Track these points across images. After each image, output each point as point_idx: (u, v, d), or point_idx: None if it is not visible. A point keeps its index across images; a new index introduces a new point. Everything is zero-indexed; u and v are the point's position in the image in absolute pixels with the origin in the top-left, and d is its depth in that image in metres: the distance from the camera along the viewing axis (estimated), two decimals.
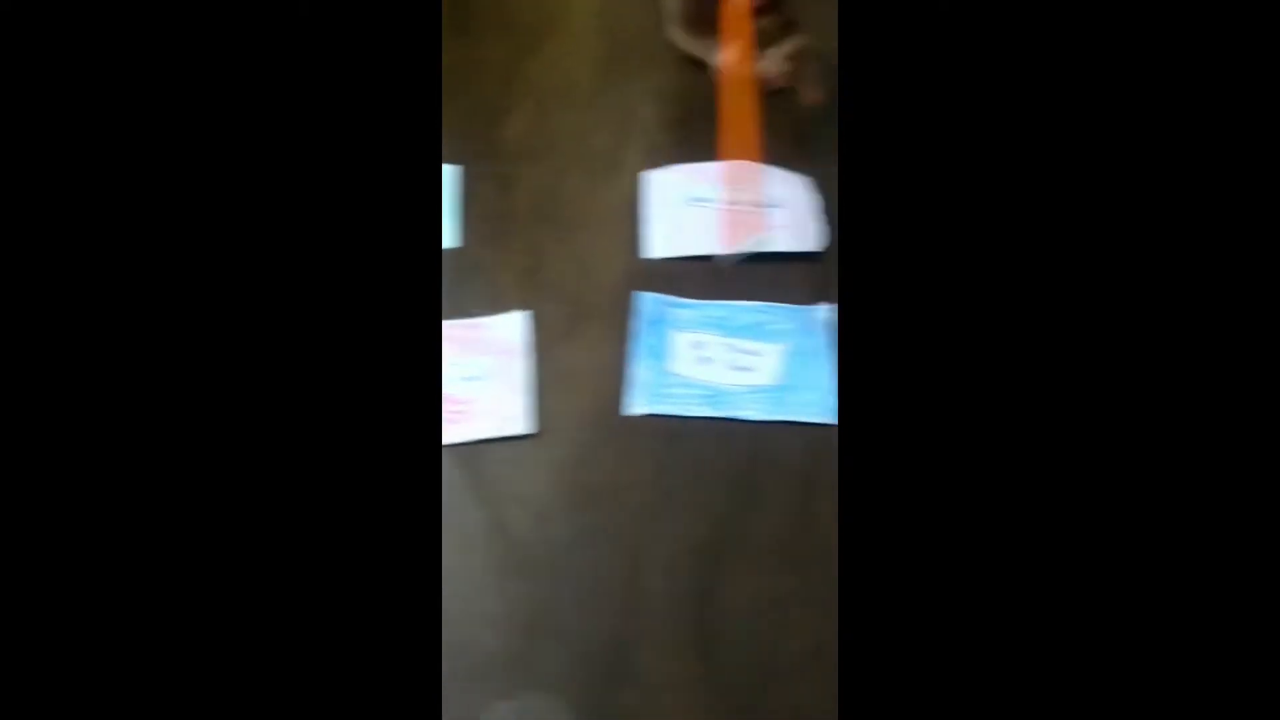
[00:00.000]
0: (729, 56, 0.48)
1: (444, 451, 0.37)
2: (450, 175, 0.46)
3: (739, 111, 0.47)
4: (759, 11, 0.48)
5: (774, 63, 0.49)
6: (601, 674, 0.33)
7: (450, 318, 0.41)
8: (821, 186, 0.45)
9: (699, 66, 0.50)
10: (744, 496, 0.37)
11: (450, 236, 0.44)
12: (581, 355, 0.40)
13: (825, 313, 0.41)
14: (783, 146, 0.47)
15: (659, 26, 0.53)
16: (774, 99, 0.49)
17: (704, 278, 0.42)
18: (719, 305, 0.42)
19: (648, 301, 0.42)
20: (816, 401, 0.38)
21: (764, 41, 0.49)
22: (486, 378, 0.39)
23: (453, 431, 0.38)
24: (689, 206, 0.45)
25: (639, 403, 0.39)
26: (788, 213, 0.44)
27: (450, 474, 0.37)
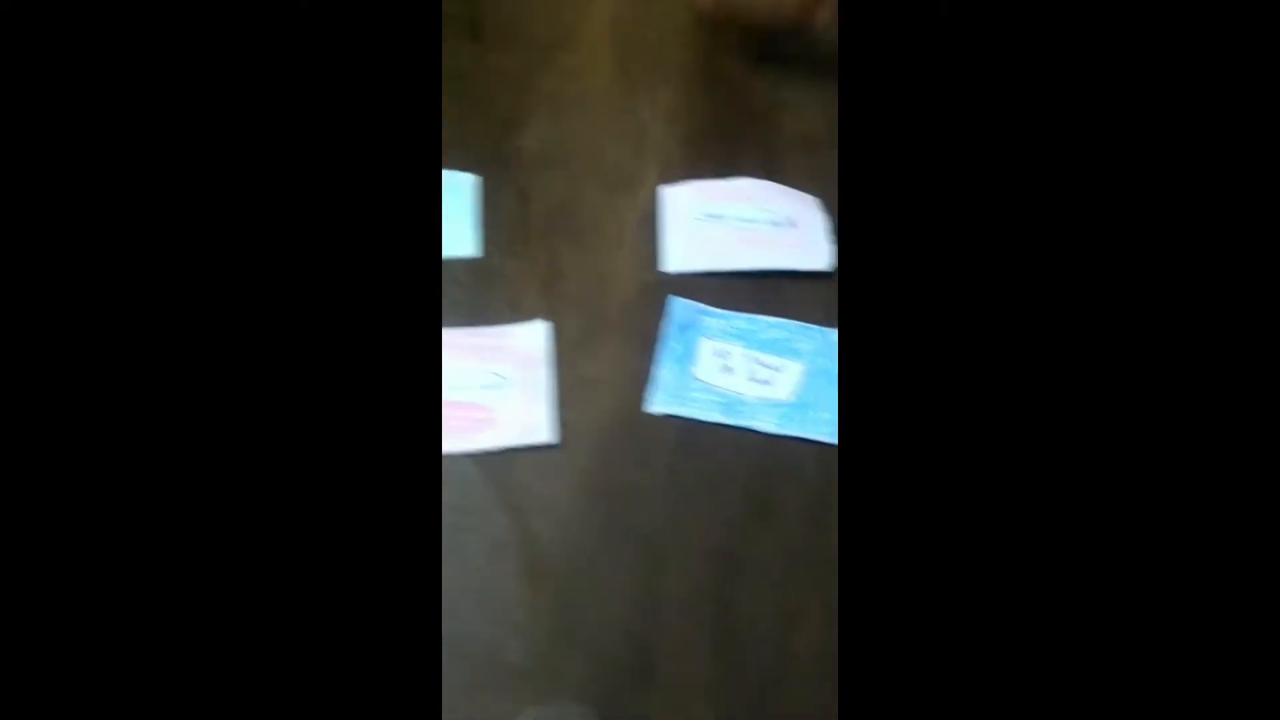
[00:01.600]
0: None
1: (469, 460, 0.38)
2: (468, 184, 0.46)
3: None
4: None
5: None
6: (624, 679, 0.34)
7: (472, 326, 0.42)
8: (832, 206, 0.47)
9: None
10: (758, 505, 0.38)
11: (470, 245, 0.44)
12: (601, 364, 0.41)
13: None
14: (794, 159, 0.49)
15: (673, 41, 0.54)
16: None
17: (720, 292, 0.44)
18: (745, 318, 0.43)
19: (679, 306, 0.43)
20: (830, 421, 0.40)
21: None
22: (509, 386, 0.40)
23: (477, 440, 0.38)
24: (706, 222, 0.46)
25: (659, 402, 0.40)
26: (803, 232, 0.46)
27: (476, 482, 0.37)
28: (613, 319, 0.43)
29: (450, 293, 0.42)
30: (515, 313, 0.42)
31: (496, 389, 0.40)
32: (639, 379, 0.41)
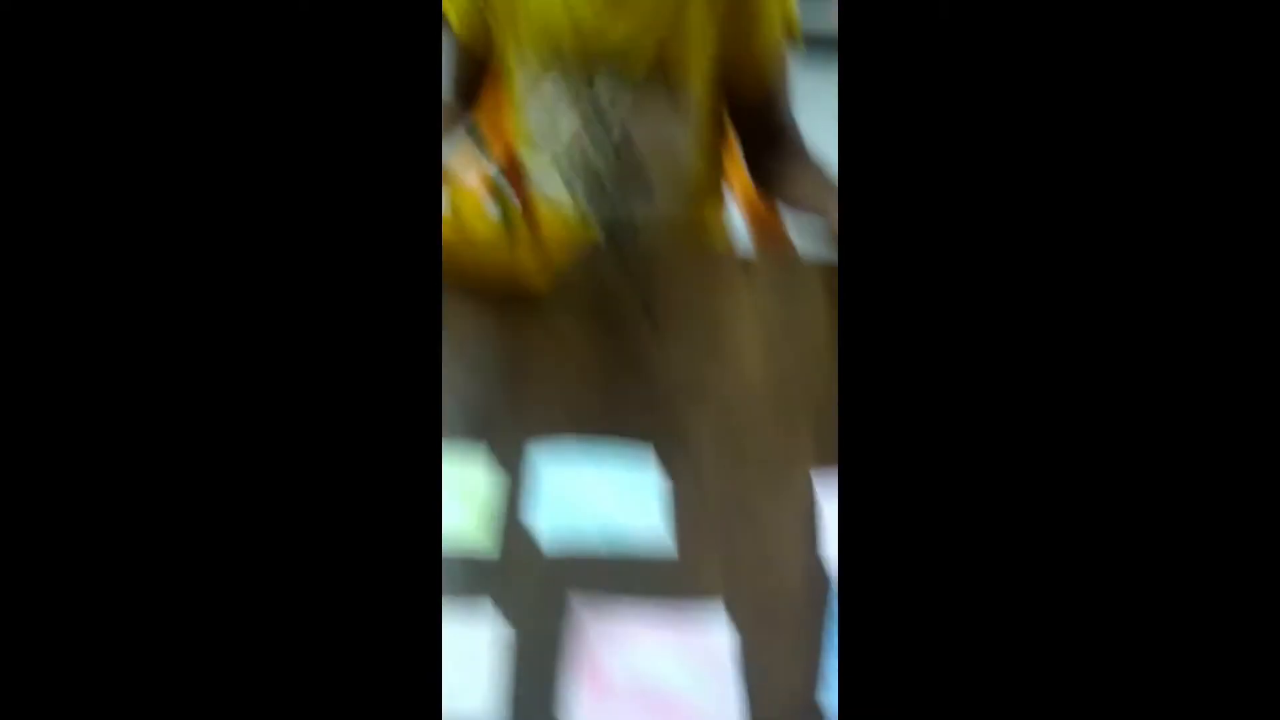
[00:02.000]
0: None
1: None
2: (646, 455, 0.54)
3: None
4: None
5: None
6: None
7: (657, 612, 0.46)
8: None
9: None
10: None
11: (663, 539, 0.50)
12: (775, 648, 0.45)
13: None
14: None
15: (815, 355, 0.63)
16: None
17: None
18: None
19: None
20: None
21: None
22: (691, 672, 0.44)
23: None
24: None
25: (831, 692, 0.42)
26: None
27: None
28: (784, 603, 0.47)
29: (633, 578, 0.47)
30: (696, 595, 0.47)
31: (679, 675, 0.43)
32: (812, 661, 0.43)
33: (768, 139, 0.87)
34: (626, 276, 0.71)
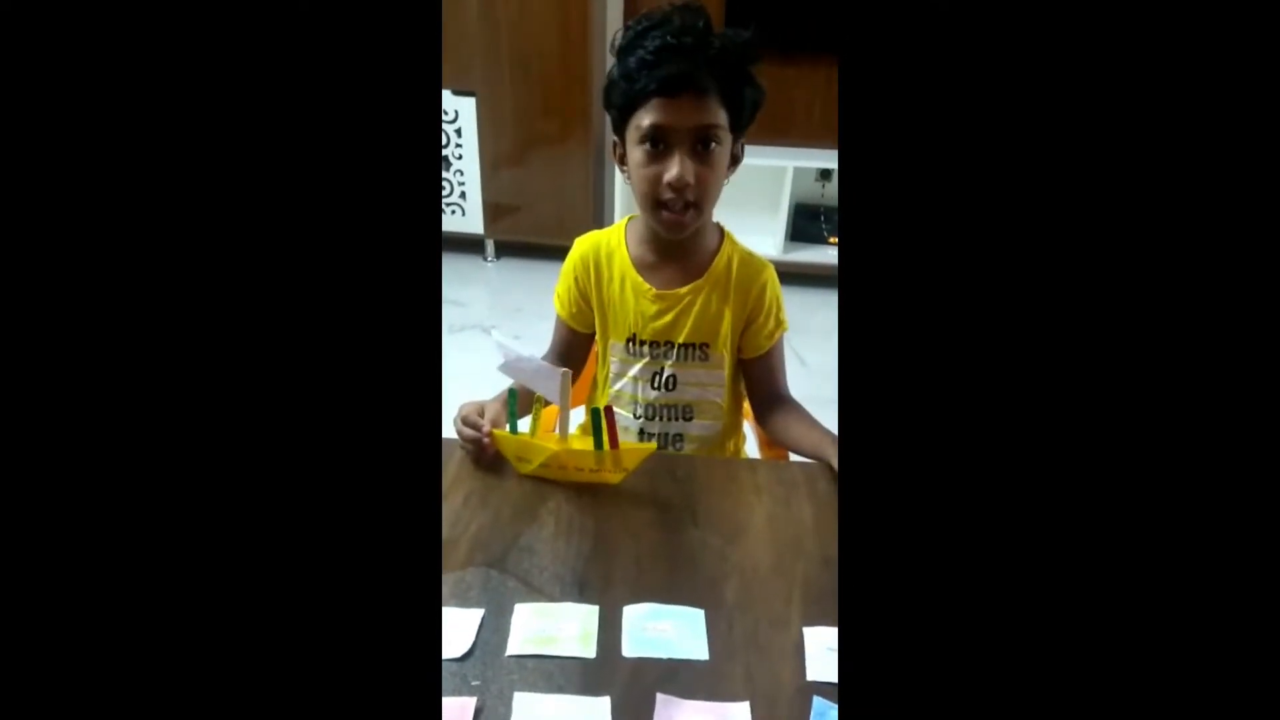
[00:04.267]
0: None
1: None
2: (700, 615, 0.82)
3: None
4: None
5: None
6: None
7: (702, 705, 0.72)
8: None
9: None
10: None
11: (706, 659, 0.76)
12: None
13: None
14: None
15: (803, 541, 0.93)
16: None
17: None
18: None
19: (818, 703, 0.73)
20: None
21: None
22: None
23: None
24: (831, 654, 0.79)
25: None
26: None
27: None
28: (782, 705, 0.73)
29: (685, 683, 0.74)
30: (727, 697, 0.73)
31: None
32: None
33: (767, 392, 1.23)
34: (674, 481, 1.03)
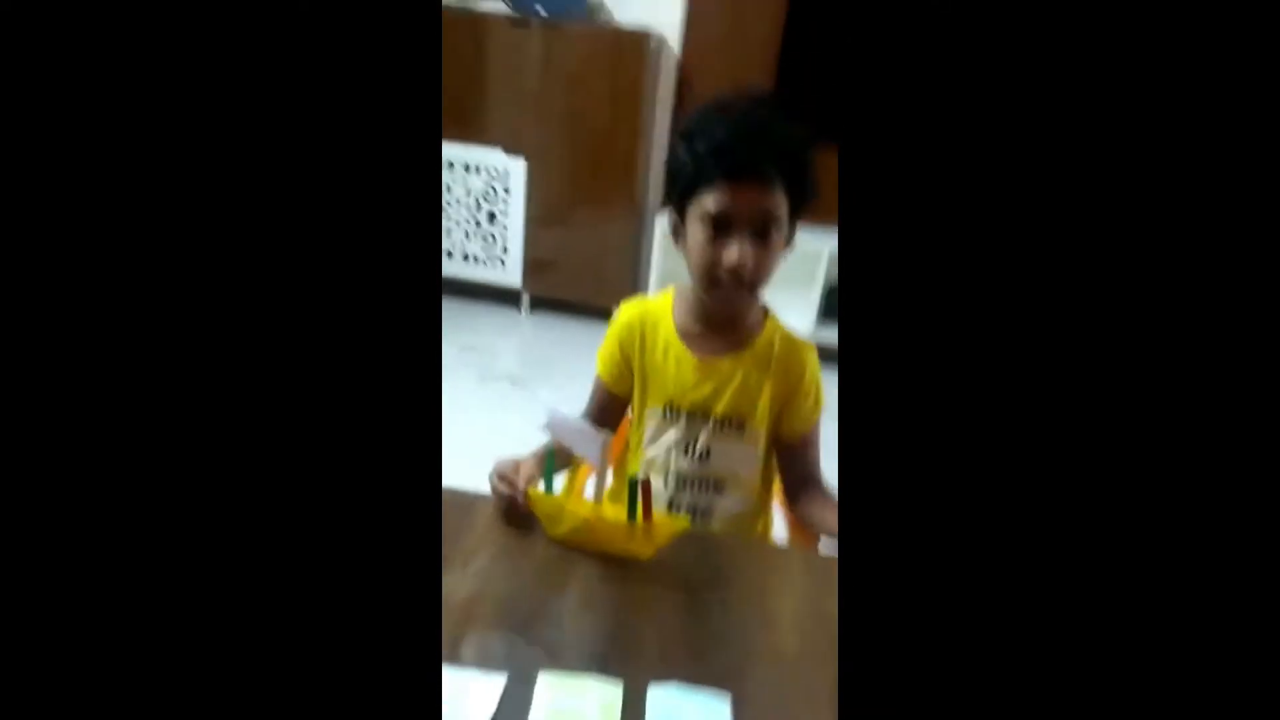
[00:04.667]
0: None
1: None
2: (724, 705, 0.80)
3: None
4: None
5: None
6: None
7: None
8: None
9: None
10: None
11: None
12: None
13: None
14: None
15: (831, 632, 0.92)
16: None
17: None
18: None
19: None
20: None
21: None
22: None
23: None
24: None
25: None
26: None
27: None
28: None
29: None
30: None
31: None
32: None
33: (800, 475, 1.22)
34: (703, 557, 1.02)
